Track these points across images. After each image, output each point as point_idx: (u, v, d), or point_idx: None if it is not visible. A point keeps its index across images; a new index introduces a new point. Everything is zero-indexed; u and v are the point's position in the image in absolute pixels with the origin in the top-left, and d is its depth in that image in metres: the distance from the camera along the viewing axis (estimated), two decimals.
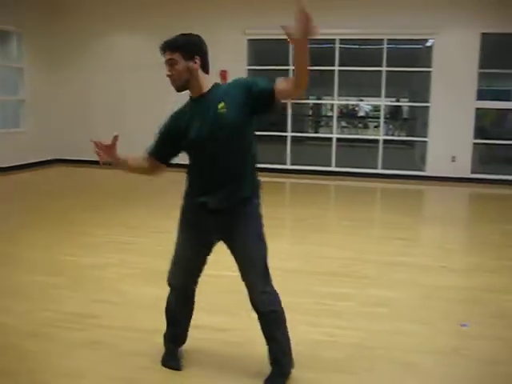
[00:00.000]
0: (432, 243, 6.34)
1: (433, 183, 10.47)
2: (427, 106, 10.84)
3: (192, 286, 3.06)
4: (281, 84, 2.54)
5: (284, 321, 2.91)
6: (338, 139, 11.54)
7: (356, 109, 21.40)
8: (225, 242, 2.87)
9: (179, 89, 2.74)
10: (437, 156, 10.75)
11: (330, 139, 11.46)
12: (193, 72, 2.69)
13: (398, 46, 11.27)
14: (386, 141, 11.39)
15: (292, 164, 11.45)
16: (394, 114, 18.12)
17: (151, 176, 3.10)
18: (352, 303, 4.21)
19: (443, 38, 10.49)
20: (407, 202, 8.88)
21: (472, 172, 10.67)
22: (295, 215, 7.78)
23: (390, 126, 16.09)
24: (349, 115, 20.56)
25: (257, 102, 2.62)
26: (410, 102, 15.49)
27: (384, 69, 10.85)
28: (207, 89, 2.74)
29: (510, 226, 7.47)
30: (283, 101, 2.57)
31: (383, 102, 11.26)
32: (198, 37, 2.76)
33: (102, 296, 4.25)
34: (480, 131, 10.90)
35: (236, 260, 2.85)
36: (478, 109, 10.61)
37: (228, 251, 2.87)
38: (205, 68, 2.74)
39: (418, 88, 12.04)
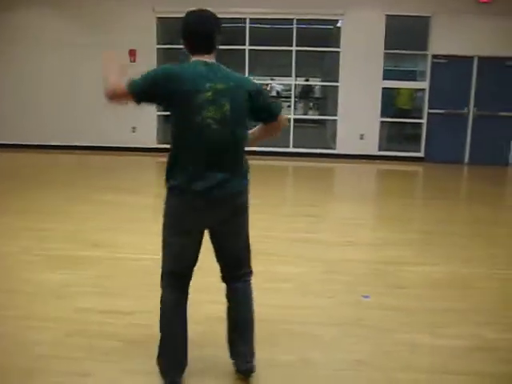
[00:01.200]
0: (340, 219, 6.51)
1: (342, 161, 10.76)
2: (336, 86, 11.08)
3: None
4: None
5: None
6: None
7: (268, 89, 21.55)
8: None
9: None
10: (346, 134, 11.04)
11: None
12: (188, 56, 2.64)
13: (308, 26, 11.41)
14: (298, 120, 11.57)
15: None
16: (306, 93, 18.37)
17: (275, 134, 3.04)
18: (257, 280, 4.24)
19: (351, 19, 10.73)
20: (318, 180, 9.10)
21: (379, 149, 11.05)
22: None
23: (301, 105, 16.33)
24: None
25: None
26: (322, 81, 15.75)
27: (294, 48, 10.98)
28: None
29: (413, 201, 7.83)
30: None
31: (293, 81, 11.41)
32: (186, 15, 2.64)
33: (2, 285, 4.09)
34: (396, 111, 11.35)
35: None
36: (384, 88, 10.97)
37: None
38: (191, 50, 2.63)
39: (329, 68, 12.26)
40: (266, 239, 5.34)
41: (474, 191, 8.86)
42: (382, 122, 11.09)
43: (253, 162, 9.39)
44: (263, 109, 2.72)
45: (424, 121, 11.09)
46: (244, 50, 11.04)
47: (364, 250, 5.21)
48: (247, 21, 10.92)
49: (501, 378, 2.92)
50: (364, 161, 10.74)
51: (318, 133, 13.33)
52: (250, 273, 3.03)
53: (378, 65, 10.82)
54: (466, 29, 10.59)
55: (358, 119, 10.93)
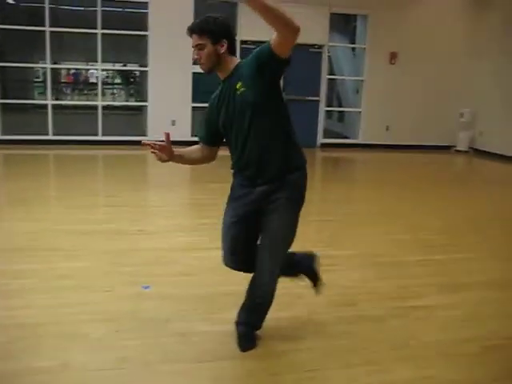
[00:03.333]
0: (138, 208, 6.24)
1: None
2: (146, 71, 10.81)
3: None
4: (273, 36, 2.51)
5: None
6: (56, 106, 10.93)
7: (88, 75, 20.69)
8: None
9: (208, 71, 2.79)
10: (158, 120, 10.79)
11: (45, 106, 10.70)
12: (220, 55, 2.73)
13: (116, 9, 10.99)
14: (115, 107, 11.15)
15: (3, 134, 10.50)
16: (127, 79, 17.93)
17: (210, 162, 3.09)
18: (34, 280, 3.91)
19: (159, 2, 10.47)
20: (126, 169, 8.77)
21: (192, 135, 10.97)
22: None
23: (115, 92, 15.79)
24: (82, 81, 19.84)
25: (266, 67, 2.62)
26: (140, 66, 15.36)
27: (99, 31, 10.46)
28: (231, 70, 2.77)
29: (219, 185, 7.75)
30: (286, 48, 2.55)
31: (100, 66, 10.90)
32: (226, 19, 2.79)
33: None
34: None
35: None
36: (194, 73, 10.88)
37: None
38: (231, 50, 2.77)
39: (144, 52, 11.93)
40: (53, 233, 4.99)
41: None
42: (194, 108, 11.03)
43: (59, 151, 8.88)
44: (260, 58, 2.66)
45: None
46: (45, 31, 10.28)
47: (152, 238, 5.01)
48: (46, 1, 10.19)
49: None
50: (176, 146, 10.50)
51: (135, 119, 12.96)
52: None
53: (187, 49, 10.65)
54: None
55: (169, 104, 10.74)
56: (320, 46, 11.66)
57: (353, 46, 13.06)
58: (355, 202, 7.15)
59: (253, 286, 2.95)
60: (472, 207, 6.94)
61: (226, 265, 3.06)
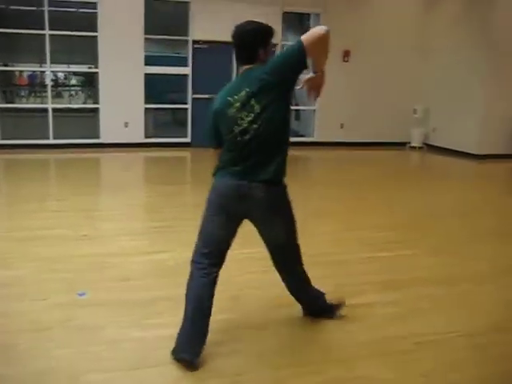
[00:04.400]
0: (84, 212, 6.05)
1: (108, 150, 10.36)
2: (97, 72, 10.65)
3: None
4: None
5: None
6: (10, 109, 10.69)
7: (43, 77, 20.25)
8: None
9: None
10: (111, 122, 10.63)
11: None
12: None
13: (64, 10, 10.78)
14: (70, 109, 10.94)
15: None
16: (84, 80, 17.59)
17: None
18: None
19: (108, 2, 10.30)
20: (77, 172, 8.57)
21: (146, 137, 10.87)
22: None
23: (72, 94, 15.42)
24: (38, 84, 19.41)
25: None
26: (95, 68, 15.05)
27: (47, 32, 10.23)
28: None
29: (174, 187, 7.66)
30: None
31: (49, 68, 10.68)
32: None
33: None
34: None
35: None
36: (147, 74, 10.76)
37: None
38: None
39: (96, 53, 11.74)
40: None
41: None
42: (147, 109, 10.92)
43: (8, 156, 8.51)
44: (288, 64, 2.80)
45: (189, 106, 11.15)
46: None
47: (96, 244, 4.90)
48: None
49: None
50: (130, 149, 10.46)
51: (91, 122, 12.73)
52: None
53: (138, 50, 10.58)
54: (223, 15, 10.74)
55: (121, 106, 10.58)
56: (274, 45, 11.64)
57: None
58: (307, 200, 7.14)
59: None
60: (419, 204, 7.02)
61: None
